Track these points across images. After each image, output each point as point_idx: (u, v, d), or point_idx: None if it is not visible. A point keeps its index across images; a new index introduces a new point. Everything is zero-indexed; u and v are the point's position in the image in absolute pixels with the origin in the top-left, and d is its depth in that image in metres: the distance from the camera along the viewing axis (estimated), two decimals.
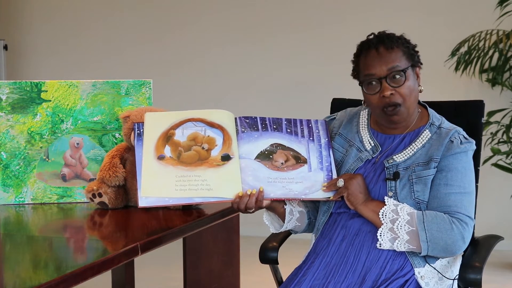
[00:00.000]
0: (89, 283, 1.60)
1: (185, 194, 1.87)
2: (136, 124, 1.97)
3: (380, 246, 1.86)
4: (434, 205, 1.87)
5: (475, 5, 4.74)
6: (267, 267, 2.21)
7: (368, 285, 1.83)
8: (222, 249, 2.56)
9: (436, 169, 1.88)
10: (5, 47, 5.84)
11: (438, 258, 1.89)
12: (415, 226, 1.83)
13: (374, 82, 1.89)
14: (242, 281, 2.65)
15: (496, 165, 4.40)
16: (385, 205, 1.86)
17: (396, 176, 1.90)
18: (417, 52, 1.96)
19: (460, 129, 1.95)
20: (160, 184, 1.87)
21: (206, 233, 2.43)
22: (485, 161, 4.33)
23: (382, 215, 1.85)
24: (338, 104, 2.28)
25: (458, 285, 1.91)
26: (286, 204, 1.99)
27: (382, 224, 1.85)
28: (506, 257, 4.48)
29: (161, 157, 1.90)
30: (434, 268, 1.87)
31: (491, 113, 4.36)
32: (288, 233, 2.15)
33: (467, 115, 2.12)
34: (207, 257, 2.52)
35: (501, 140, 4.42)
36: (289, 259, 2.51)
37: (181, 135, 1.93)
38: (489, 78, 4.54)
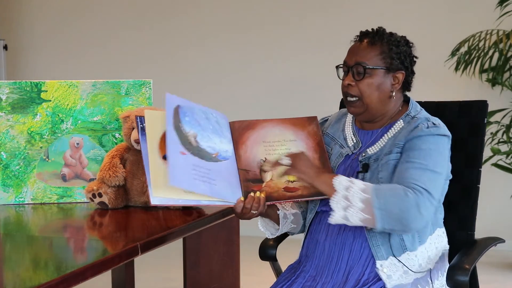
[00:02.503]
0: (89, 283, 1.60)
1: (194, 197, 1.85)
2: (138, 117, 1.95)
3: (333, 217, 1.78)
4: (394, 181, 1.82)
5: (475, 5, 4.74)
6: (267, 267, 2.21)
7: (351, 284, 1.82)
8: (222, 249, 2.56)
9: (399, 154, 1.85)
10: (5, 47, 5.84)
11: (404, 251, 1.83)
12: (370, 194, 1.75)
13: (343, 69, 1.95)
14: (242, 281, 2.65)
15: (496, 165, 4.40)
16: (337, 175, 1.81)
17: (365, 168, 1.89)
18: (408, 58, 1.92)
19: (432, 118, 1.90)
20: (169, 185, 1.85)
21: (206, 233, 2.43)
22: (485, 161, 4.32)
23: (337, 182, 1.78)
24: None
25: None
26: (279, 210, 1.99)
27: (336, 191, 1.78)
28: (506, 257, 4.48)
29: (165, 158, 1.89)
30: (399, 261, 1.83)
31: (491, 113, 4.36)
32: None
33: (470, 115, 2.10)
34: (207, 257, 2.52)
35: (501, 140, 4.42)
36: (290, 257, 2.51)
37: None
38: (489, 78, 4.54)
